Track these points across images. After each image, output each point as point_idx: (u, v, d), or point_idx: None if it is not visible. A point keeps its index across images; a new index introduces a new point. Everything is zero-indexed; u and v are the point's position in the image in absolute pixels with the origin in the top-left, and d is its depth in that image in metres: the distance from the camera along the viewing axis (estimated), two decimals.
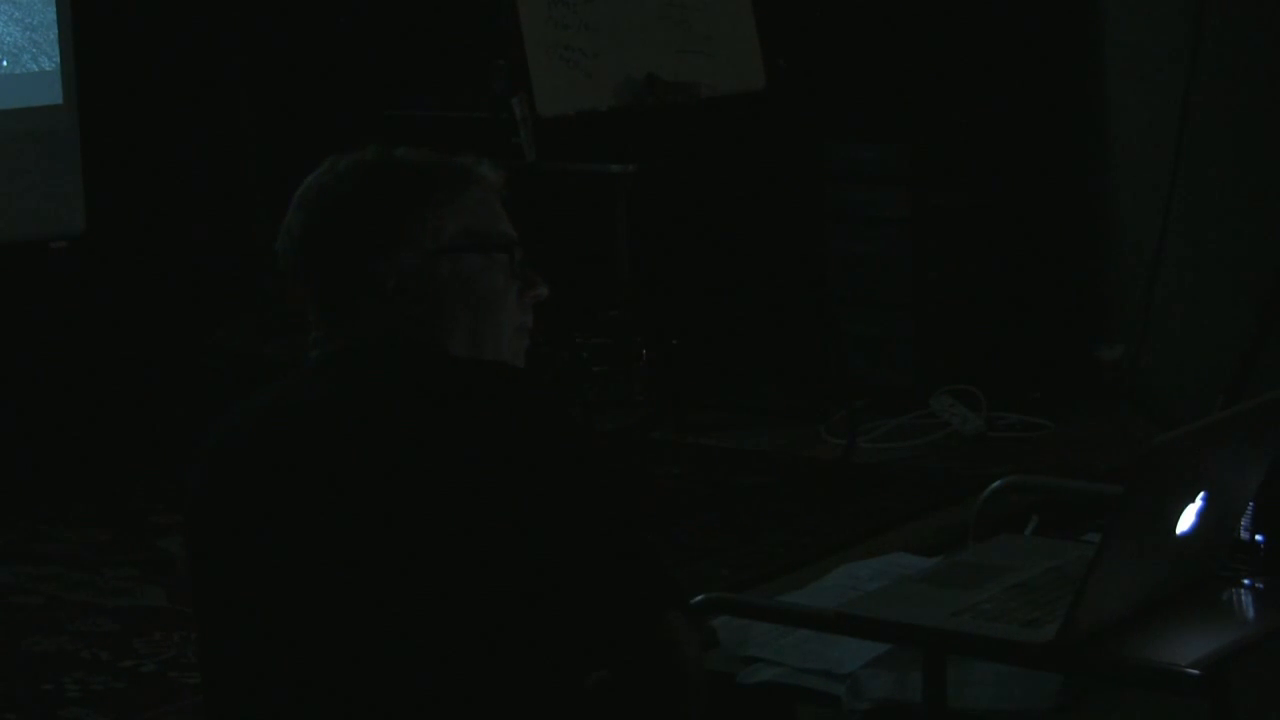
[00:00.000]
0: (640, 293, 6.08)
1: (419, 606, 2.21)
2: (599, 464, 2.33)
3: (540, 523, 2.22)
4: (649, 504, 5.54)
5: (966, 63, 6.45)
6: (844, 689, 2.52)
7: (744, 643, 2.63)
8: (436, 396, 2.30)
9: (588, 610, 2.25)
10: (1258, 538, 2.57)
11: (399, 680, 2.20)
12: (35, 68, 6.08)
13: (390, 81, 6.66)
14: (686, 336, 6.46)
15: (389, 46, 6.83)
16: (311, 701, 2.24)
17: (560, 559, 2.23)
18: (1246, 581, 2.55)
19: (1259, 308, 4.11)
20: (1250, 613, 2.52)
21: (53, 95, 6.09)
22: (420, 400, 2.29)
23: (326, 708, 2.23)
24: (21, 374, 6.15)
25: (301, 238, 2.38)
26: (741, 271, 6.78)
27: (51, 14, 6.06)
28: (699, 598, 2.57)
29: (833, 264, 6.52)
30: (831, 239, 6.54)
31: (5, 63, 6.03)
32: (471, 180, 2.42)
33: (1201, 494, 2.38)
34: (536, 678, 2.24)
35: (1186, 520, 2.39)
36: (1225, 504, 2.47)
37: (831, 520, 5.40)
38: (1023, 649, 2.34)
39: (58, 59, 6.08)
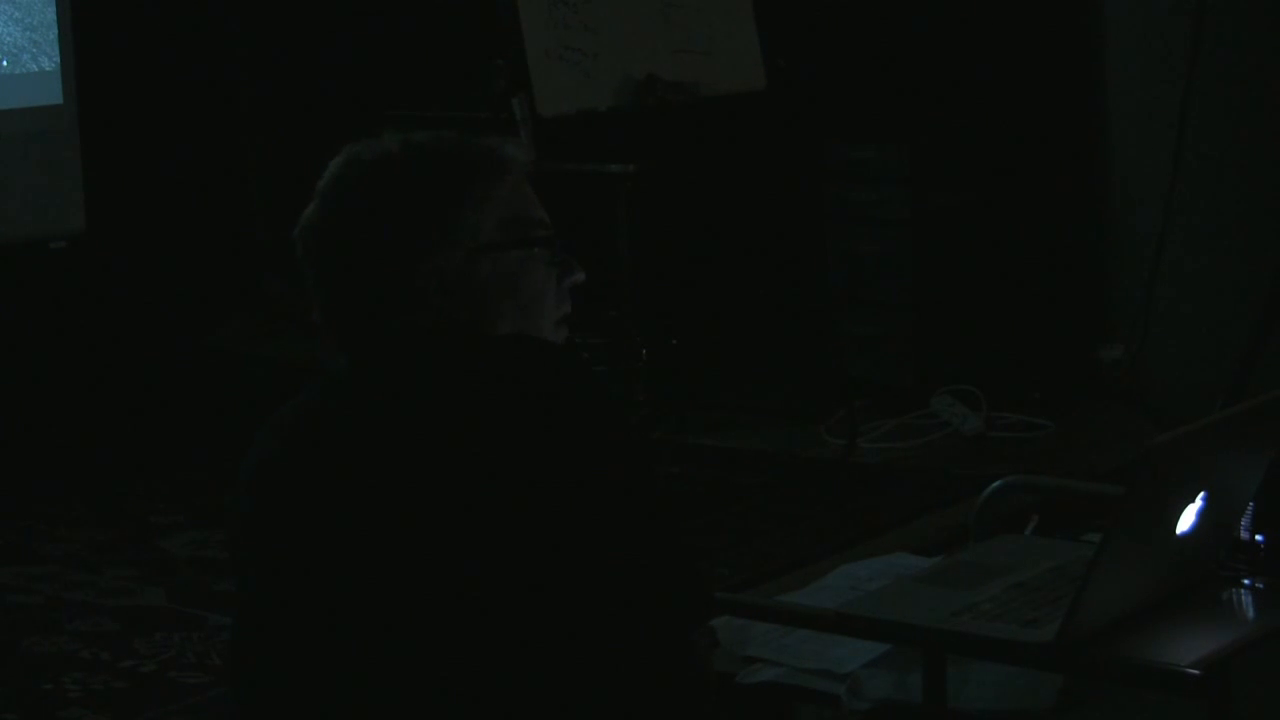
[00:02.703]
0: (640, 293, 6.07)
1: (479, 608, 2.12)
2: (648, 457, 2.23)
3: (589, 520, 2.14)
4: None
5: (967, 63, 6.45)
6: (844, 689, 2.52)
7: (744, 643, 2.63)
8: (483, 392, 2.19)
9: (621, 612, 2.16)
10: (1258, 538, 2.57)
11: (444, 680, 2.12)
12: (35, 68, 6.08)
13: (390, 81, 6.66)
14: (686, 337, 6.45)
15: (389, 47, 6.83)
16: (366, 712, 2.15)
17: (606, 553, 2.14)
18: (1246, 581, 2.55)
19: (1259, 308, 4.11)
20: (1250, 613, 2.52)
21: (53, 95, 6.09)
22: (467, 397, 2.19)
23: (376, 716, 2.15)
24: (21, 374, 6.15)
25: (325, 239, 2.27)
26: (741, 272, 6.78)
27: (51, 14, 6.07)
28: None
29: (833, 264, 6.52)
30: (831, 239, 6.54)
31: (5, 63, 6.03)
32: (503, 167, 2.30)
33: (1201, 494, 2.38)
34: (568, 676, 2.15)
35: (1186, 520, 2.39)
36: (1225, 504, 2.47)
37: (831, 520, 5.40)
38: (1023, 649, 2.34)
39: (58, 59, 6.09)
